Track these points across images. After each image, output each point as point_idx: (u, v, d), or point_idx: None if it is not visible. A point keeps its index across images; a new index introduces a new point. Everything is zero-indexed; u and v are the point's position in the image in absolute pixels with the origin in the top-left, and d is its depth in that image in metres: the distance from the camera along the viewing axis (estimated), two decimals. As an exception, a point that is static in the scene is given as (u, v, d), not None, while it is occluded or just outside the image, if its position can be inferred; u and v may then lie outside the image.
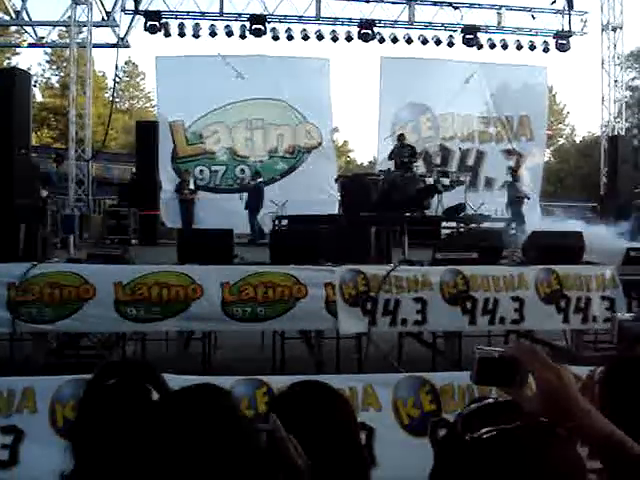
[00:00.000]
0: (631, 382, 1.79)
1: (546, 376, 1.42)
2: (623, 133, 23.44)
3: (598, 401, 1.77)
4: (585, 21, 22.30)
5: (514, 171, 19.76)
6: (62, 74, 39.18)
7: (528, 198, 19.11)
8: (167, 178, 19.89)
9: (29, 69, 35.72)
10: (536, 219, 18.23)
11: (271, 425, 1.52)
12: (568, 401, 1.40)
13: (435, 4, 21.47)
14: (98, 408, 1.90)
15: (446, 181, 16.93)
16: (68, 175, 18.96)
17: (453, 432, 1.44)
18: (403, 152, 17.54)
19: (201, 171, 21.03)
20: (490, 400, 1.51)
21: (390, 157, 17.88)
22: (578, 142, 47.16)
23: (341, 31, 20.84)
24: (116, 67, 25.66)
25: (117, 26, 21.39)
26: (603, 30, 22.81)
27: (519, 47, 21.62)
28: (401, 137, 18.25)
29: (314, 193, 19.64)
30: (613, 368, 1.85)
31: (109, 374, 1.98)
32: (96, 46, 21.11)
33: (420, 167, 19.56)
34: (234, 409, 1.49)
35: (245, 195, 19.20)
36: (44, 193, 15.71)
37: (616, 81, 23.01)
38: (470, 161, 22.23)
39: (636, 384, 1.78)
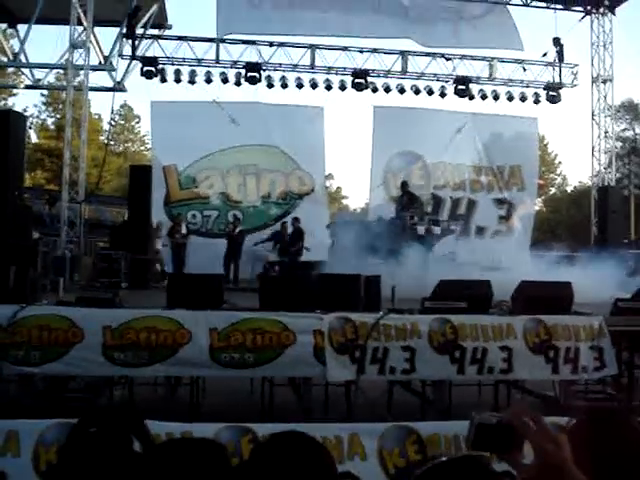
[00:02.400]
0: (601, 434, 1.79)
1: (546, 446, 1.43)
2: (613, 183, 23.70)
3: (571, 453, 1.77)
4: (576, 73, 22.73)
5: None
6: (58, 116, 39.46)
7: None
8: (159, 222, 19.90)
9: (25, 110, 36.26)
10: (526, 268, 18.25)
11: None
12: (565, 473, 1.41)
13: (428, 55, 21.87)
14: (78, 456, 1.89)
15: (437, 230, 17.03)
16: (60, 217, 18.97)
17: None
18: (402, 200, 17.72)
19: (194, 215, 21.07)
20: (443, 459, 1.52)
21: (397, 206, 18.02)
22: (569, 192, 47.56)
23: (335, 80, 21.17)
24: (112, 111, 25.94)
25: (114, 70, 21.61)
26: (593, 82, 23.22)
27: (510, 98, 21.96)
28: (403, 185, 18.42)
29: (306, 239, 19.65)
30: (583, 420, 1.85)
31: (93, 421, 1.98)
32: (92, 89, 21.28)
33: (411, 215, 19.72)
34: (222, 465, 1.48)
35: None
36: (35, 234, 15.71)
37: (606, 132, 23.35)
38: (461, 210, 22.35)
39: (605, 437, 1.78)
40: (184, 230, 19.64)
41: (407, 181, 19.00)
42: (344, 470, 4.14)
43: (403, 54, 21.71)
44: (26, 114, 27.62)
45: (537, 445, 1.44)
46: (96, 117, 39.59)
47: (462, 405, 6.76)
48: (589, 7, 23.20)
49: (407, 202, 17.51)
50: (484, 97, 21.85)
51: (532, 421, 1.48)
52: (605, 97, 23.19)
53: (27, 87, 24.06)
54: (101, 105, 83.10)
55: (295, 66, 21.14)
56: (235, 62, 20.80)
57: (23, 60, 22.08)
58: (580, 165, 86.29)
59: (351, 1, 21.45)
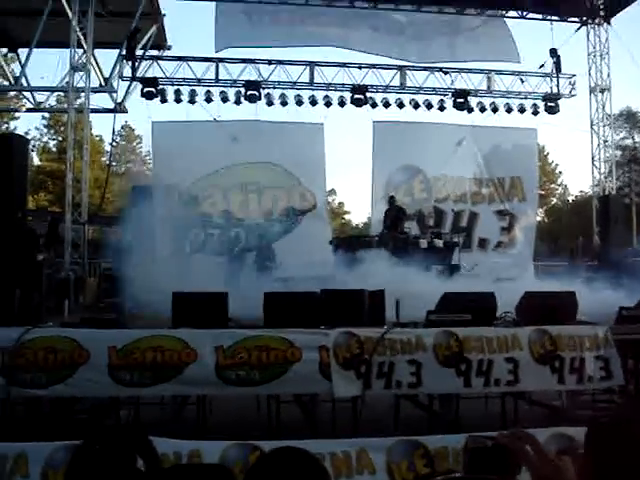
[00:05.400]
0: (610, 445, 1.75)
1: (544, 471, 1.42)
2: (614, 192, 23.73)
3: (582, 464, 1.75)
4: (573, 83, 22.87)
5: None
6: (59, 138, 39.62)
7: None
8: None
9: (27, 133, 36.42)
10: (530, 279, 18.25)
11: None
12: None
13: (426, 69, 22.01)
14: (83, 475, 1.90)
15: (439, 242, 17.06)
16: (64, 238, 18.97)
17: None
18: (391, 213, 17.79)
19: (196, 234, 21.09)
20: (457, 474, 1.52)
21: (384, 220, 18.14)
22: (571, 201, 47.55)
23: (334, 96, 21.33)
24: (113, 132, 25.97)
25: (115, 92, 21.76)
26: (591, 92, 23.32)
27: (509, 110, 22.07)
28: (391, 199, 18.51)
29: (309, 255, 19.65)
30: (592, 432, 1.83)
31: (98, 440, 1.99)
32: (94, 111, 21.38)
33: (414, 228, 19.81)
34: None
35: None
36: (40, 257, 15.70)
37: (606, 141, 23.43)
38: (463, 222, 22.36)
39: (615, 448, 1.74)
40: (187, 249, 19.68)
41: (394, 195, 19.14)
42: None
43: (401, 69, 21.86)
44: (28, 137, 27.80)
45: (535, 471, 1.42)
46: (97, 138, 39.69)
47: (469, 418, 6.75)
48: (585, 18, 23.34)
49: (395, 216, 17.60)
50: (483, 109, 21.97)
51: (529, 445, 1.46)
52: (603, 106, 23.30)
53: (29, 110, 24.17)
54: (102, 126, 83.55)
55: (294, 83, 21.29)
56: (235, 81, 20.97)
57: (24, 84, 22.20)
58: (581, 174, 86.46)
59: (350, 18, 21.65)
